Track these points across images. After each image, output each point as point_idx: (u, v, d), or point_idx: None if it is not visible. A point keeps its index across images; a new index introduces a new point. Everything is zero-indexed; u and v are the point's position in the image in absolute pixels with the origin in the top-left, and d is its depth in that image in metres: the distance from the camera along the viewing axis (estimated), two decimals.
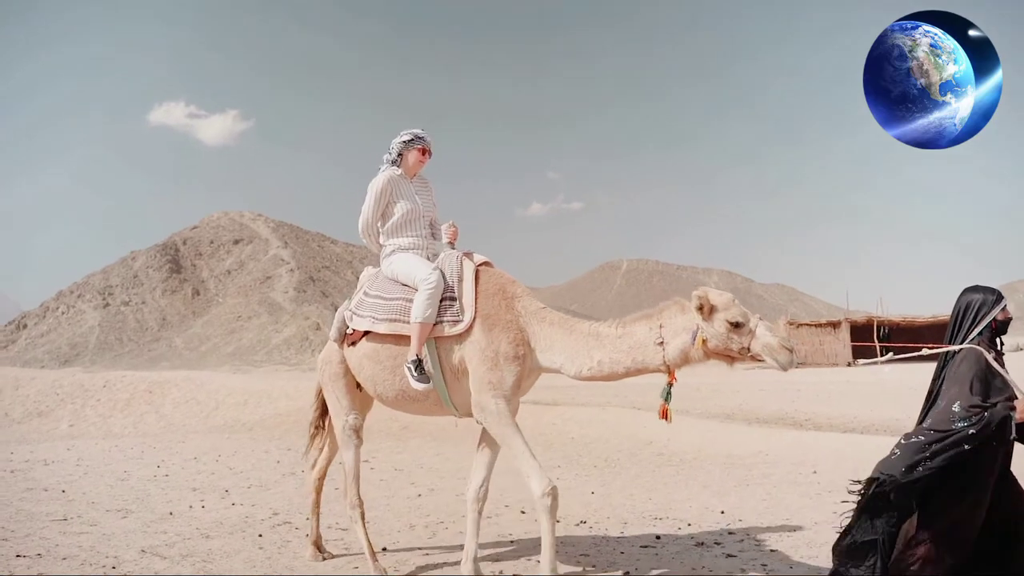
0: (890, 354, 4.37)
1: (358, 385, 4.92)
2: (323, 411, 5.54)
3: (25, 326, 62.88)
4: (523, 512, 6.50)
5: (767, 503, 6.82)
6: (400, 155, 4.89)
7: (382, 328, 4.50)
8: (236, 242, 78.68)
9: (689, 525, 6.08)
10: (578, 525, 6.17)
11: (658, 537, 5.68)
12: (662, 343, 3.98)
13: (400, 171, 4.87)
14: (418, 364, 4.26)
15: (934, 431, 3.35)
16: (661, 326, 4.02)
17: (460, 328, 4.26)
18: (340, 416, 4.93)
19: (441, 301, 4.34)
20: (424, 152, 4.92)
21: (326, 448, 5.53)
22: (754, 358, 3.83)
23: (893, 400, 16.53)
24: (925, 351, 4.30)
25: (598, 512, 6.60)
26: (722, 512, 6.48)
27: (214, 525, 6.09)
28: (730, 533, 5.78)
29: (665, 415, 4.08)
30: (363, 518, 4.83)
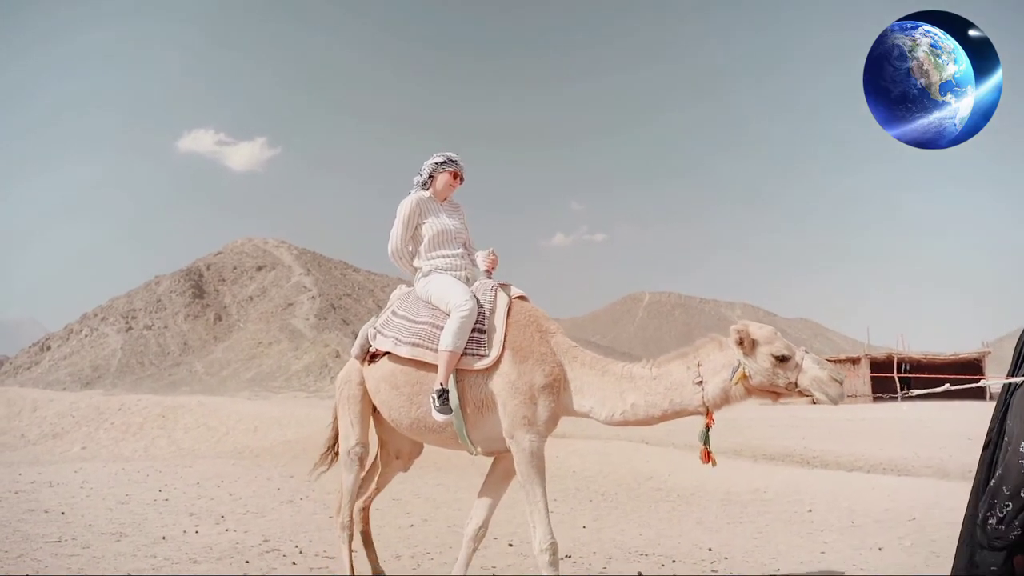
0: (946, 385, 4.10)
1: (375, 410, 4.73)
2: (338, 433, 5.21)
3: (49, 348, 63.75)
4: (511, 545, 6.53)
5: (756, 541, 6.80)
6: (431, 177, 4.77)
7: (403, 351, 4.29)
8: (259, 268, 79.62)
9: (674, 562, 6.07)
10: (562, 559, 6.18)
11: (640, 574, 5.69)
12: (701, 382, 3.78)
13: (429, 194, 4.73)
14: (443, 394, 4.06)
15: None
16: (699, 364, 3.83)
17: (485, 363, 4.07)
18: (347, 440, 4.73)
19: (471, 332, 4.16)
20: (455, 176, 4.79)
21: (375, 478, 5.16)
22: (802, 393, 3.66)
23: (905, 438, 16.38)
24: (984, 383, 4.35)
25: (585, 547, 6.61)
26: (709, 549, 6.47)
27: (203, 550, 6.17)
28: (713, 571, 5.78)
29: (708, 458, 3.87)
30: (351, 540, 4.77)
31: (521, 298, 4.45)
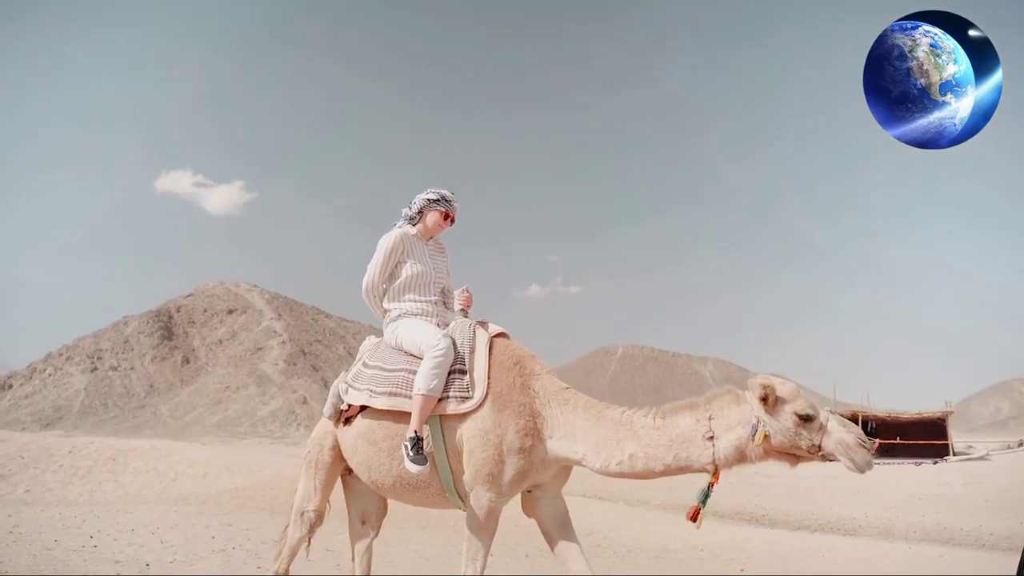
0: (1012, 443, 3.92)
1: (349, 471, 4.46)
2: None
3: (10, 386, 62.54)
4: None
5: None
6: (420, 213, 4.45)
7: (380, 403, 3.97)
8: (230, 312, 78.96)
9: None
10: None
11: None
12: (712, 437, 3.43)
13: (415, 231, 4.43)
14: (416, 442, 3.71)
15: None
16: (710, 417, 3.48)
17: (469, 406, 3.75)
18: (305, 502, 4.44)
19: (449, 374, 3.85)
20: (446, 217, 4.47)
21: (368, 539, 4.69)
22: (825, 457, 3.34)
23: (859, 497, 16.42)
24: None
25: None
26: None
27: None
28: None
29: (695, 518, 3.52)
30: None
31: (501, 335, 4.14)
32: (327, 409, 4.35)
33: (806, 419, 3.31)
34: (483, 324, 4.14)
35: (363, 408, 4.11)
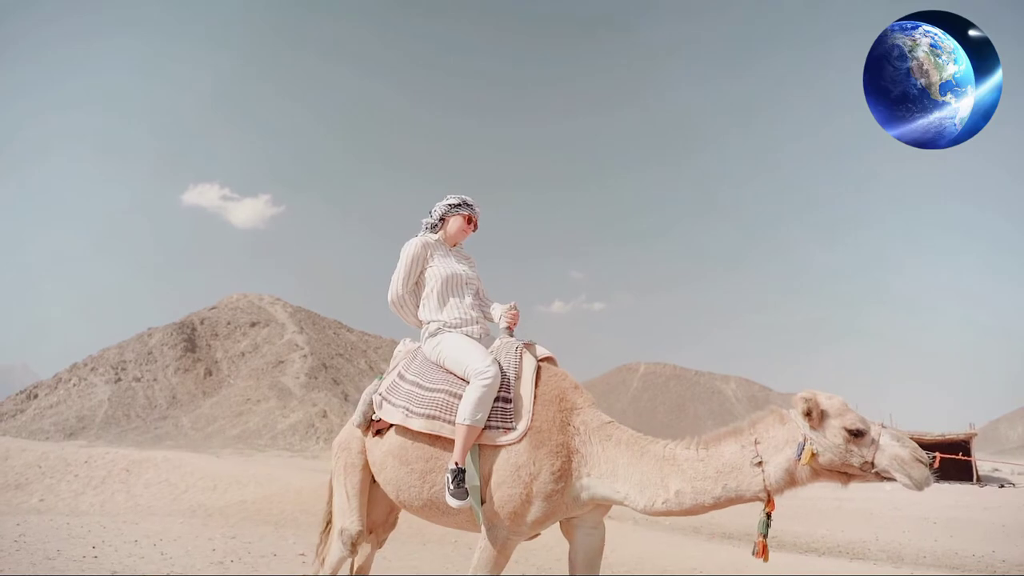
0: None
1: (373, 481, 4.23)
2: None
3: (36, 396, 63.30)
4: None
5: None
6: (442, 219, 4.28)
7: (416, 424, 3.77)
8: (253, 324, 79.50)
9: None
10: None
11: None
12: (760, 463, 3.23)
13: (438, 237, 4.26)
14: (459, 475, 3.53)
15: None
16: (756, 442, 3.29)
17: (512, 438, 3.57)
18: (342, 517, 4.17)
19: (494, 402, 3.65)
20: (470, 221, 4.29)
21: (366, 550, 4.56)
22: (879, 475, 3.15)
23: (870, 521, 16.21)
24: None
25: None
26: None
27: None
28: None
29: (764, 552, 3.31)
30: None
31: (548, 360, 3.97)
32: (356, 417, 4.16)
33: (856, 434, 3.13)
34: (530, 346, 3.95)
35: (394, 425, 3.94)
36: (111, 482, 17.67)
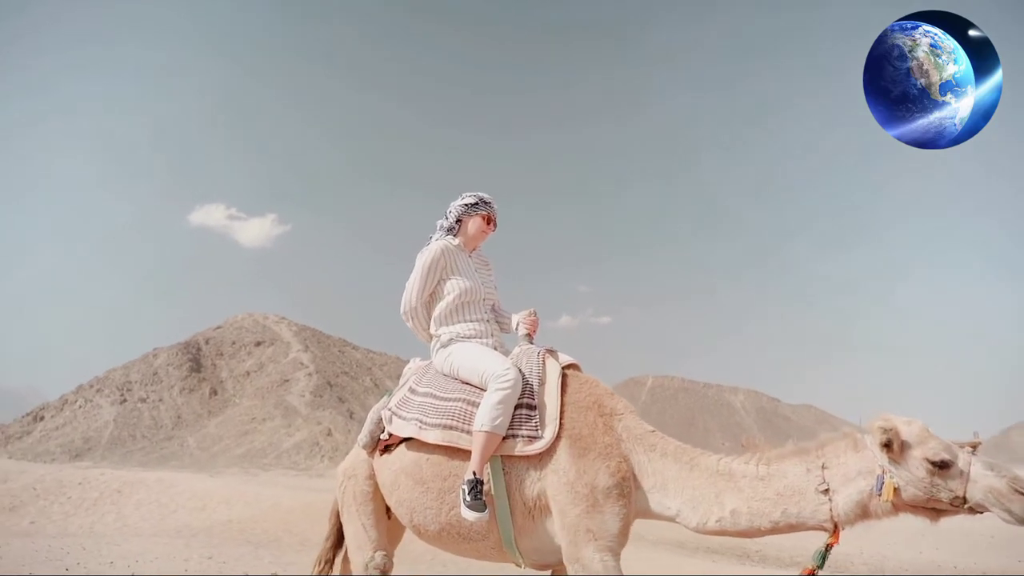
0: None
1: (387, 509, 3.87)
2: (338, 540, 4.20)
3: (42, 418, 63.50)
4: None
5: None
6: (459, 221, 3.98)
7: (431, 436, 3.46)
8: (258, 344, 79.63)
9: None
10: None
11: None
12: (827, 491, 2.95)
13: (458, 241, 3.95)
14: (475, 486, 3.21)
15: None
16: (823, 467, 3.00)
17: (538, 447, 3.26)
18: (364, 551, 3.76)
19: (516, 408, 3.35)
20: (489, 221, 4.00)
21: None
22: (973, 510, 2.80)
23: (856, 532, 16.13)
24: None
25: None
26: None
27: None
28: None
29: None
30: None
31: (573, 367, 3.67)
32: (363, 436, 3.88)
33: (941, 466, 2.81)
34: (552, 352, 3.69)
35: (406, 439, 3.64)
36: (102, 503, 17.78)
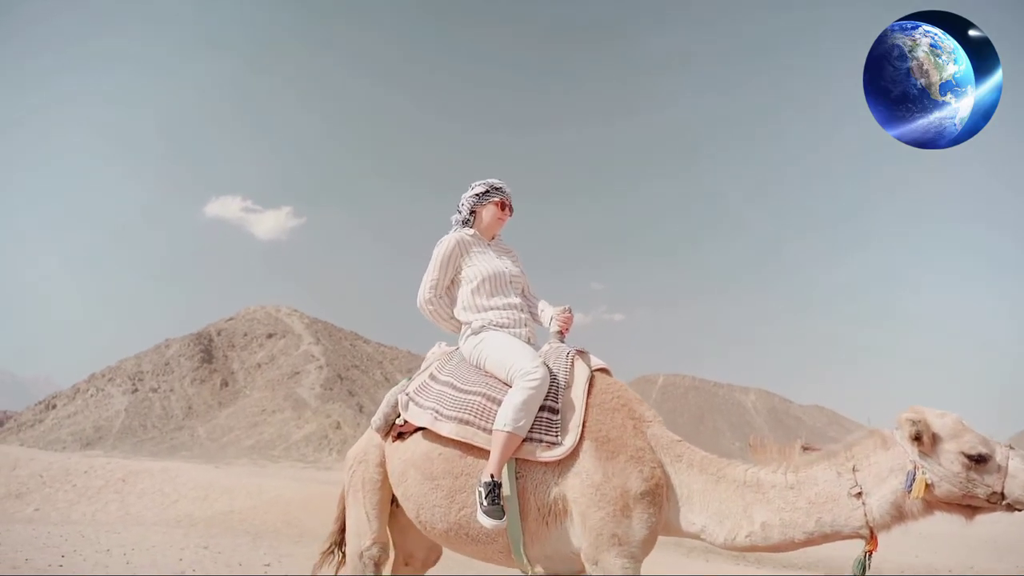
0: None
1: (394, 499, 3.73)
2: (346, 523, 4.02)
3: (54, 406, 64.17)
4: None
5: None
6: (473, 212, 3.86)
7: (445, 429, 3.30)
8: (269, 336, 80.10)
9: None
10: None
11: None
12: (860, 494, 2.81)
13: (474, 231, 3.83)
14: (493, 489, 3.05)
15: None
16: (854, 469, 2.86)
17: (556, 454, 3.10)
18: (360, 539, 3.65)
19: (539, 410, 3.20)
20: (503, 207, 3.85)
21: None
22: (1011, 507, 2.66)
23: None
24: None
25: None
26: None
27: None
28: None
29: None
30: None
31: (603, 371, 3.49)
32: (377, 419, 3.70)
33: (978, 460, 2.66)
34: (583, 354, 3.51)
35: (421, 428, 3.47)
36: (106, 492, 17.94)
